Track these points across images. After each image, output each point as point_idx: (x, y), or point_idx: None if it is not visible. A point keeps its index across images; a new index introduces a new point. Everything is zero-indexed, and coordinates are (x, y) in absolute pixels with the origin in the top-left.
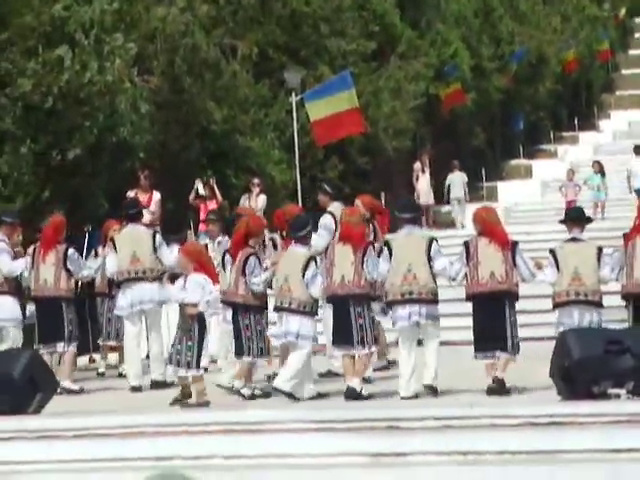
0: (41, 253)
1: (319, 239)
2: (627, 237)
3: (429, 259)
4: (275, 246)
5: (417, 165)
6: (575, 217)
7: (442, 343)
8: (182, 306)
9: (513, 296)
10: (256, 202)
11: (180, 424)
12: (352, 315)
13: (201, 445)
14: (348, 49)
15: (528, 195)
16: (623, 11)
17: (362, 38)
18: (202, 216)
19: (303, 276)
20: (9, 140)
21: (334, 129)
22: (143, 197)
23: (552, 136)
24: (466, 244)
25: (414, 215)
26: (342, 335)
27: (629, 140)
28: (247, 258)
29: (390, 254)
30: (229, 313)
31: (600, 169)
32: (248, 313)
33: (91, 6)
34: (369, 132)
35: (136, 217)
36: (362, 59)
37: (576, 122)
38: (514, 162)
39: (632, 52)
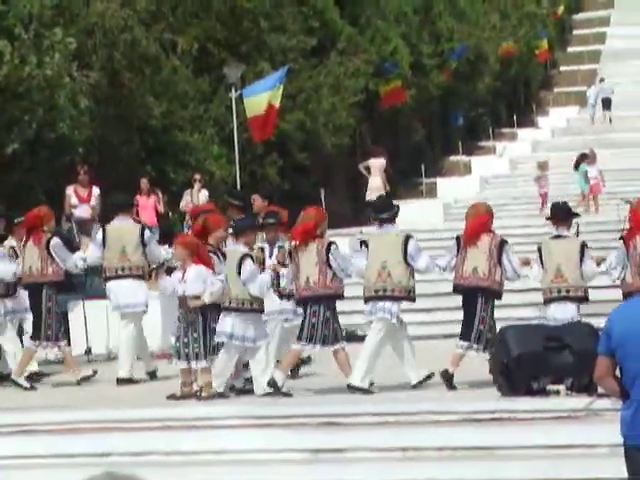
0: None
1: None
2: (626, 238)
3: (405, 257)
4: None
5: (375, 162)
6: (563, 216)
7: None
8: (182, 299)
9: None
10: (198, 198)
11: (119, 420)
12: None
13: (140, 441)
14: (288, 45)
15: (467, 191)
16: (562, 8)
17: (302, 34)
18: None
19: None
20: None
21: (270, 125)
22: (83, 192)
23: (491, 132)
24: (457, 238)
25: (391, 214)
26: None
27: (567, 137)
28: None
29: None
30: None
31: (583, 159)
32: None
33: (30, 0)
34: (308, 128)
35: (126, 209)
36: (302, 55)
37: (515, 119)
38: (453, 158)
39: (570, 49)
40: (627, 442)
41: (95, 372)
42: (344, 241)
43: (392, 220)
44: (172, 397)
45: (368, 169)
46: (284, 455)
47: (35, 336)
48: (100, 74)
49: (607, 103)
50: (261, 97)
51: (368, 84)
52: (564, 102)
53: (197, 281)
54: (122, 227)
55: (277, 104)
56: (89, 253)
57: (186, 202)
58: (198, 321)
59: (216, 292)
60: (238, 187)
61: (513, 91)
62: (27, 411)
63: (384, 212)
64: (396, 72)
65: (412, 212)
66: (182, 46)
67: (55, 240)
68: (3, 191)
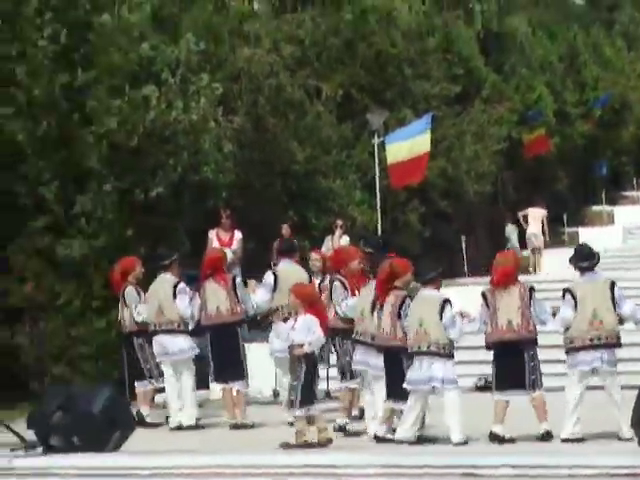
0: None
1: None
2: None
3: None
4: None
5: (534, 211)
6: None
7: None
8: (290, 347)
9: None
10: (339, 243)
11: (268, 465)
12: None
13: None
14: (432, 92)
15: (610, 241)
16: None
17: (446, 81)
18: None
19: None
20: (94, 178)
21: (410, 173)
22: (224, 236)
23: (635, 182)
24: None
25: (592, 263)
26: None
27: None
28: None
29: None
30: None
31: None
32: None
33: (178, 46)
34: (451, 175)
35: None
36: (445, 102)
37: None
38: (596, 208)
39: None
40: None
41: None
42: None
43: (593, 268)
44: (285, 445)
45: (526, 218)
46: None
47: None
48: (244, 119)
49: None
50: (403, 144)
51: (511, 132)
52: None
53: (303, 330)
54: (158, 283)
55: (427, 150)
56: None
57: (327, 248)
58: (301, 369)
59: (314, 342)
60: (379, 233)
61: None
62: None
63: (585, 260)
64: (540, 120)
65: (556, 262)
66: (326, 92)
67: (238, 280)
68: (147, 234)
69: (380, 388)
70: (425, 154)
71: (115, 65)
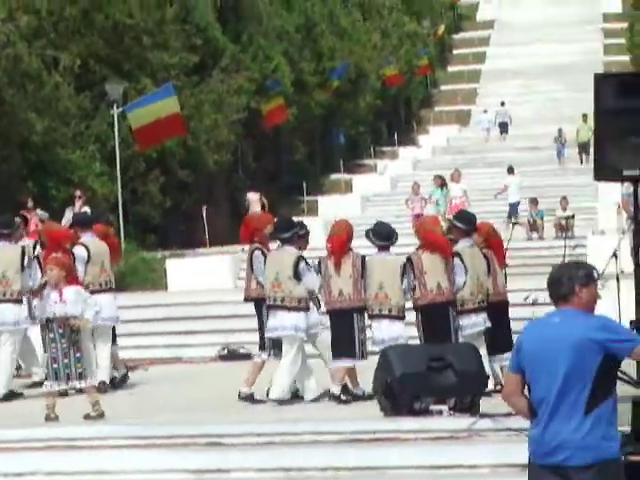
0: None
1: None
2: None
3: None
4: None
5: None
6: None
7: None
8: (63, 319)
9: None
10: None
11: (2, 441)
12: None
13: (22, 462)
14: (170, 62)
15: (348, 209)
16: (442, 28)
17: (184, 51)
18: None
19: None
20: None
21: (156, 134)
22: None
23: (372, 151)
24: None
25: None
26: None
27: (447, 156)
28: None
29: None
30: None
31: (442, 183)
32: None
33: None
34: (190, 145)
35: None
36: (184, 72)
37: (396, 137)
38: (334, 176)
39: (451, 68)
40: (533, 460)
41: None
42: (226, 258)
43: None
44: (87, 417)
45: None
46: (167, 476)
47: None
48: None
49: (504, 127)
50: (146, 109)
51: (250, 102)
52: (444, 121)
53: (76, 301)
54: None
55: (177, 110)
56: None
57: (67, 219)
58: (80, 341)
59: (100, 311)
60: (119, 204)
61: (394, 110)
62: None
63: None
64: (278, 90)
65: None
66: (64, 62)
67: None
68: None
69: (290, 351)
70: (176, 114)
71: None
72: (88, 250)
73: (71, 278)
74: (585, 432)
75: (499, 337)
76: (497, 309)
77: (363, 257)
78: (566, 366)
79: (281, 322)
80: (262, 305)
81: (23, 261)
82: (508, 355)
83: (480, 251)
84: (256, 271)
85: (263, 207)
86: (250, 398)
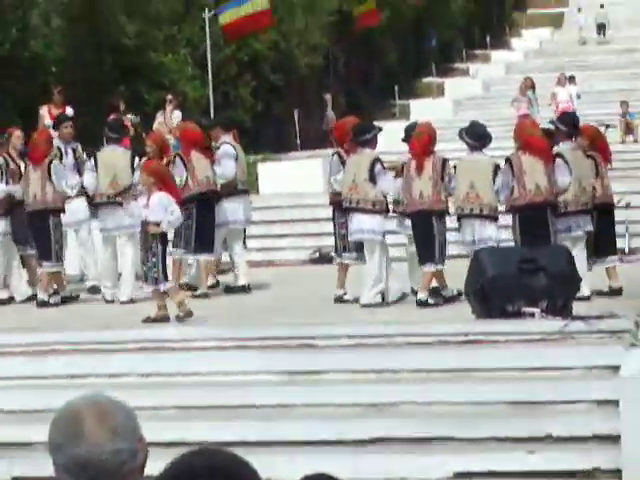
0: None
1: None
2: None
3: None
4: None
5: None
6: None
7: None
8: (144, 224)
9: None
10: (171, 118)
11: (96, 342)
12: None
13: (116, 363)
14: None
15: (440, 113)
16: None
17: None
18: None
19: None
20: None
21: (245, 26)
22: (56, 112)
23: (464, 54)
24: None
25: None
26: None
27: (540, 59)
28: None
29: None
30: None
31: (532, 85)
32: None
33: None
34: (282, 48)
35: (117, 141)
36: None
37: (488, 41)
38: (426, 80)
39: None
40: None
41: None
42: (318, 162)
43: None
44: (147, 320)
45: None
46: (259, 377)
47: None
48: None
49: (602, 28)
50: (237, 9)
51: (342, 4)
52: (537, 24)
53: (158, 209)
54: (112, 154)
55: (267, 7)
56: (88, 183)
57: (159, 123)
58: (156, 247)
59: (174, 221)
60: (211, 108)
61: (486, 13)
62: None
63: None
64: None
65: (387, 134)
66: None
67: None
68: None
69: (373, 255)
70: (266, 10)
71: None
72: (236, 150)
73: (162, 185)
74: None
75: (604, 240)
76: (603, 211)
77: (444, 159)
78: None
79: (359, 225)
80: (335, 209)
81: (133, 165)
82: (612, 258)
83: (584, 153)
84: (330, 175)
85: None
86: (340, 299)
